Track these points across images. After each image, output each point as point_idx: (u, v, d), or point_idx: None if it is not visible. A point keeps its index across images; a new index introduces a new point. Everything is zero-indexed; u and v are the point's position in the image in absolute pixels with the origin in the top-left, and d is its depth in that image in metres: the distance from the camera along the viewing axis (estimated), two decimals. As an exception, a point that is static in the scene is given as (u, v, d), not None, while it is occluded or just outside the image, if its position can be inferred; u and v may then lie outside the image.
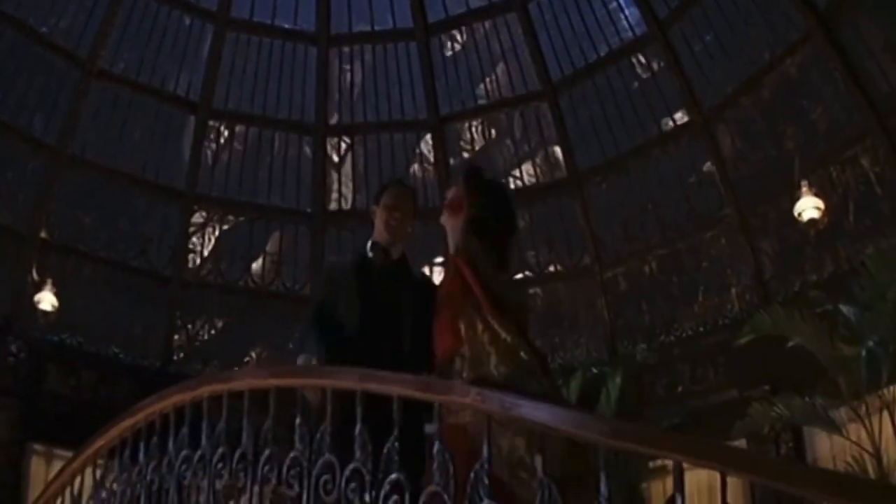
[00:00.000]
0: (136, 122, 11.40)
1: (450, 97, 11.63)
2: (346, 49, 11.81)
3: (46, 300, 10.27)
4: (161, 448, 4.20)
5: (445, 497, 2.94)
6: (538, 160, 11.53)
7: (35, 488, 9.90)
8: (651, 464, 8.42)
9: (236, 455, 3.75)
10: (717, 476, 2.30)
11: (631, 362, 10.01)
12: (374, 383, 3.52)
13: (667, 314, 10.25)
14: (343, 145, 11.91)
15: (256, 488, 3.65)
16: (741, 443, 7.78)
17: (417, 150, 12.00)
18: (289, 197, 11.85)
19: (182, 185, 11.57)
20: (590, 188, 10.94)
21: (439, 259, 11.15)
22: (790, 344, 7.60)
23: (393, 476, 3.14)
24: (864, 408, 6.74)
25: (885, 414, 6.81)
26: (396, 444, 3.20)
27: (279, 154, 11.81)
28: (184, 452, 4.03)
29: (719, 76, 9.93)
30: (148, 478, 4.19)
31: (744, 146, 9.80)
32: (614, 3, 10.78)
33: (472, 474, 2.94)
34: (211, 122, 11.67)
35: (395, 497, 3.11)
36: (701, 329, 9.89)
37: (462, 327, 3.58)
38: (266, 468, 3.62)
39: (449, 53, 11.61)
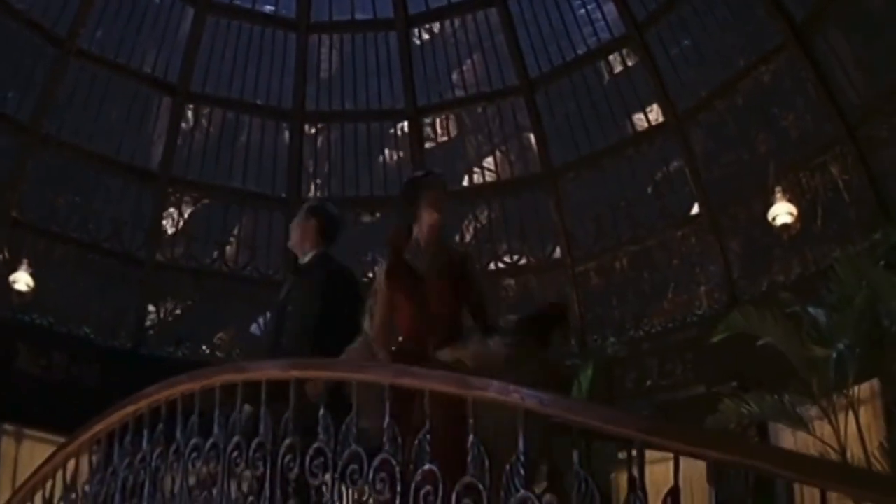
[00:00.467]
0: (113, 102, 11.39)
1: (427, 89, 11.84)
2: (325, 37, 11.92)
3: (22, 280, 10.28)
4: (167, 436, 4.27)
5: (481, 487, 3.13)
6: (513, 154, 11.81)
7: (5, 468, 10.04)
8: (620, 455, 8.76)
9: (253, 445, 3.84)
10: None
11: (601, 355, 10.35)
12: (409, 378, 3.77)
13: (637, 309, 10.61)
14: (320, 132, 12.02)
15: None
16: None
17: (393, 140, 12.17)
18: (264, 182, 11.96)
19: (157, 167, 11.62)
20: (564, 184, 11.25)
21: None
22: (760, 343, 7.98)
23: (426, 466, 3.30)
24: (831, 406, 7.12)
25: (850, 413, 7.21)
26: (428, 436, 3.44)
27: (255, 139, 11.89)
28: (194, 440, 4.11)
29: (694, 79, 10.29)
30: (153, 465, 4.29)
31: (716, 148, 10.20)
32: (593, 4, 11.06)
33: (507, 466, 3.19)
34: (188, 105, 11.70)
35: (427, 487, 3.30)
36: (670, 325, 10.28)
37: None
38: (287, 458, 3.72)
39: (428, 45, 11.78)
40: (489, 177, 11.96)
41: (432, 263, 4.20)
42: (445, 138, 12.06)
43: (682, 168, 10.47)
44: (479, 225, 11.93)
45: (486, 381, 3.42)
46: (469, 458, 3.21)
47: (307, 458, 3.63)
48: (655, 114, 10.72)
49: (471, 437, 3.24)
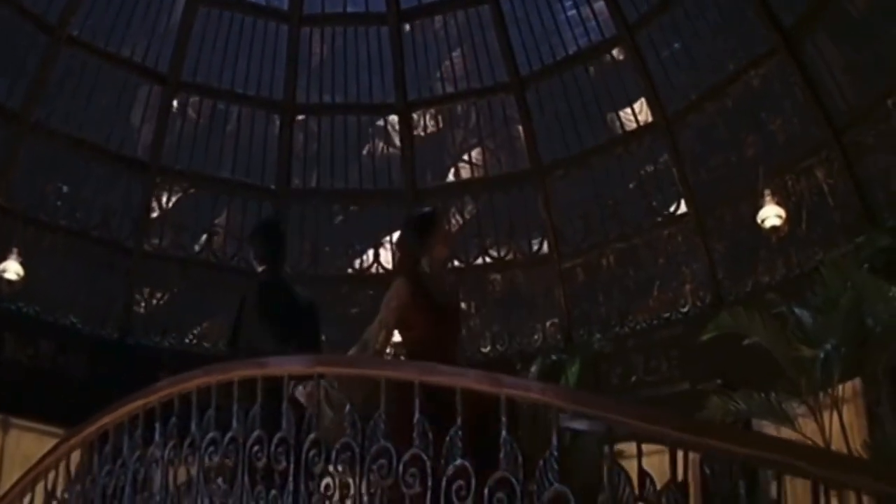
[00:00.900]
0: (103, 91, 11.44)
1: (418, 83, 12.01)
2: (317, 29, 12.04)
3: (12, 269, 10.29)
4: (180, 430, 4.37)
5: (514, 481, 3.31)
6: (502, 150, 12.02)
7: (-9, 457, 10.10)
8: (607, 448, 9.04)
9: (275, 439, 3.96)
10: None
11: (587, 350, 10.61)
12: (436, 376, 3.97)
13: (622, 306, 10.89)
14: (310, 124, 12.15)
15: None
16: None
17: (383, 133, 12.33)
18: (253, 172, 12.07)
19: (146, 156, 11.70)
20: (552, 181, 11.49)
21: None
22: (746, 342, 8.28)
23: (458, 462, 3.45)
24: (817, 405, 7.43)
25: (834, 411, 7.53)
26: (459, 432, 3.63)
27: (245, 129, 12.00)
28: (211, 434, 4.21)
29: (684, 82, 10.55)
30: (165, 458, 4.40)
31: (704, 150, 10.47)
32: (584, 4, 11.28)
33: (541, 462, 3.41)
34: (178, 95, 11.78)
35: (459, 482, 3.46)
36: (655, 322, 10.57)
37: None
38: (312, 453, 3.84)
39: (420, 40, 11.94)
40: (477, 172, 12.17)
41: (447, 295, 4.61)
42: (435, 133, 12.24)
43: (669, 168, 10.74)
44: (466, 219, 12.13)
45: (524, 380, 3.65)
46: (502, 455, 3.41)
47: (333, 454, 3.79)
48: (644, 114, 10.97)
49: (503, 434, 3.43)
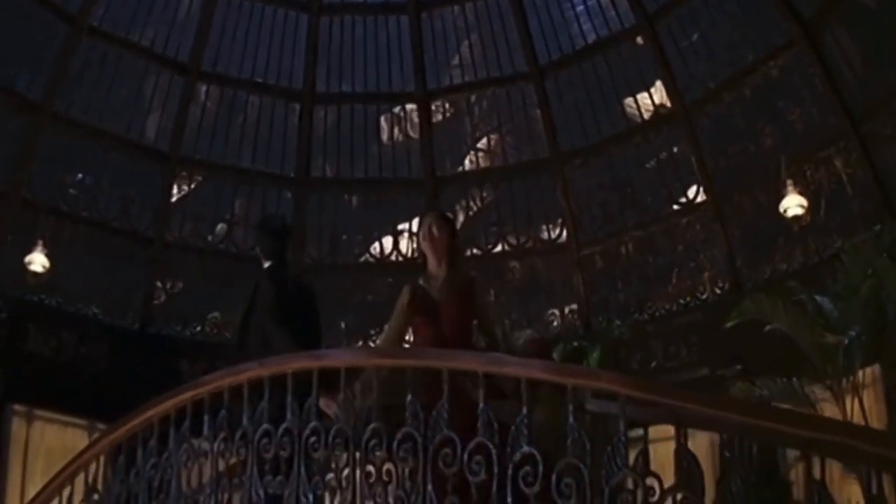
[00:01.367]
0: (124, 81, 11.68)
1: (437, 72, 12.25)
2: (337, 18, 12.27)
3: (38, 261, 10.54)
4: (230, 423, 4.48)
5: (582, 467, 3.52)
6: (521, 139, 12.29)
7: (16, 449, 10.41)
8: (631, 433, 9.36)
9: (332, 430, 4.15)
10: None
11: (607, 337, 10.93)
12: (501, 367, 4.23)
13: (641, 293, 11.22)
14: (329, 113, 12.39)
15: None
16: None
17: (402, 122, 12.59)
18: (273, 162, 12.32)
19: (166, 146, 11.93)
20: (571, 169, 11.78)
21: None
22: (767, 329, 8.59)
23: (525, 449, 3.68)
24: (840, 390, 7.77)
25: (855, 397, 7.87)
26: (525, 420, 3.88)
27: (265, 119, 12.24)
28: (264, 426, 4.31)
29: (703, 72, 10.83)
30: (216, 450, 4.51)
31: (722, 139, 10.76)
32: (604, -7, 11.53)
33: (609, 448, 3.69)
34: (199, 84, 12.02)
35: (526, 468, 3.67)
36: (674, 309, 10.89)
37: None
38: (372, 443, 4.01)
39: (439, 29, 12.18)
40: (496, 161, 12.44)
41: (445, 288, 4.87)
42: (454, 121, 12.50)
43: (687, 157, 11.03)
44: (485, 208, 12.42)
45: (593, 369, 3.94)
46: (569, 441, 3.62)
47: (395, 443, 3.97)
48: (663, 104, 11.24)
49: (570, 420, 3.64)
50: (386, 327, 4.96)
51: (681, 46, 10.90)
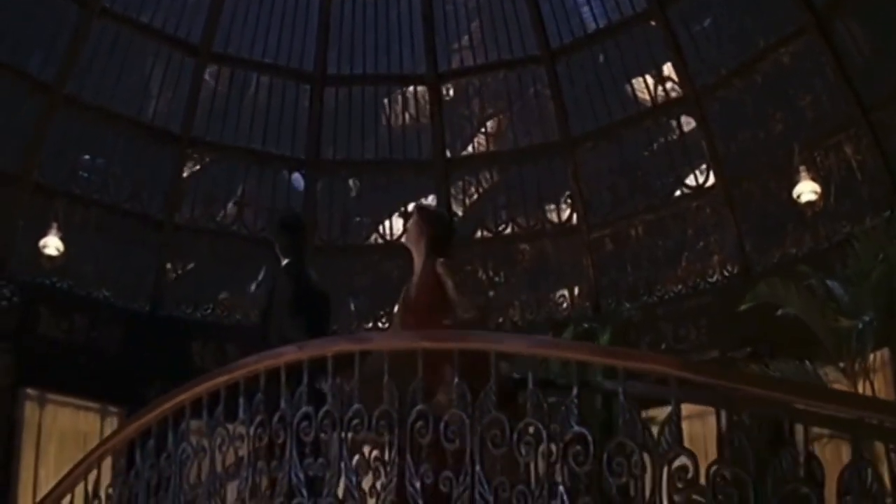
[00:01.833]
0: (135, 63, 11.85)
1: (448, 55, 12.48)
2: (348, 0, 12.47)
3: (52, 245, 10.71)
4: (268, 406, 4.58)
5: (633, 445, 3.75)
6: (531, 122, 12.55)
7: (28, 433, 10.55)
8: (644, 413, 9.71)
9: (376, 413, 4.30)
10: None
11: (617, 319, 11.25)
12: (552, 350, 4.51)
13: (650, 276, 11.54)
14: (340, 95, 12.60)
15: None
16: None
17: (413, 104, 12.83)
18: (283, 144, 12.53)
19: (177, 128, 12.12)
20: (581, 153, 12.06)
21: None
22: (779, 312, 8.91)
23: (576, 429, 3.89)
24: (853, 374, 8.10)
25: (866, 381, 8.20)
26: (576, 399, 4.09)
27: (276, 101, 12.45)
28: (303, 409, 4.45)
29: (714, 57, 11.11)
30: (252, 433, 4.60)
31: (733, 125, 11.05)
32: (615, -22, 11.76)
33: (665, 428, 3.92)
34: (210, 66, 12.21)
35: (576, 448, 3.90)
36: (683, 292, 11.21)
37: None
38: (419, 424, 4.20)
39: (451, 11, 12.40)
40: (507, 143, 12.70)
41: (417, 281, 5.25)
42: (464, 104, 12.74)
43: (698, 142, 11.33)
44: (494, 189, 12.69)
45: (643, 352, 4.20)
46: (621, 422, 3.86)
47: (441, 425, 4.19)
48: (674, 88, 11.51)
49: (621, 399, 3.87)
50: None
51: (692, 32, 11.19)
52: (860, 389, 8.18)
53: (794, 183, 9.74)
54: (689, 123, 11.44)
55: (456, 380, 4.22)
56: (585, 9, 11.95)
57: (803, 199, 9.62)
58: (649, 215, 11.63)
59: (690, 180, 11.43)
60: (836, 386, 8.43)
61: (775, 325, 9.05)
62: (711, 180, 11.21)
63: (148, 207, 11.95)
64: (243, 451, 4.71)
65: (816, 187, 9.59)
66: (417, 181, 12.57)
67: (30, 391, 10.66)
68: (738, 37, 11.03)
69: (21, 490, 10.23)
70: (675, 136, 11.65)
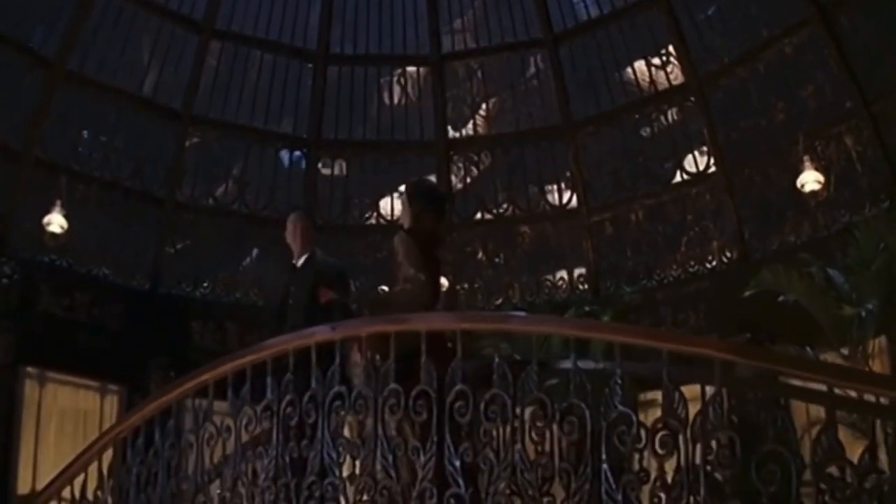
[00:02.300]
0: (138, 39, 11.96)
1: (452, 36, 12.69)
2: (351, -21, 12.66)
3: (56, 222, 10.78)
4: (298, 386, 4.72)
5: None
6: (533, 105, 12.81)
7: (28, 411, 10.64)
8: (642, 396, 10.06)
9: (414, 392, 4.43)
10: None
11: (617, 302, 11.60)
12: (593, 332, 4.76)
13: (650, 260, 11.89)
14: (343, 74, 12.79)
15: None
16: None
17: (415, 85, 13.04)
18: (286, 122, 12.71)
19: (179, 105, 12.26)
20: (583, 137, 12.36)
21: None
22: (780, 299, 9.26)
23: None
24: (854, 360, 8.48)
25: (866, 367, 8.59)
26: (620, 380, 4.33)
27: (279, 79, 12.61)
28: (335, 389, 4.59)
29: (717, 45, 11.42)
30: (282, 413, 4.74)
31: (735, 113, 11.39)
32: (620, -36, 12.01)
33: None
34: (213, 43, 12.33)
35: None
36: (682, 276, 11.58)
37: None
38: (458, 404, 4.34)
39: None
40: (508, 126, 12.96)
41: None
42: (467, 86, 12.97)
43: (699, 129, 11.66)
44: (493, 171, 12.96)
45: (686, 336, 4.44)
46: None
47: (482, 405, 4.38)
48: (676, 75, 11.82)
49: (665, 381, 4.14)
50: None
51: (696, 19, 11.48)
52: (860, 375, 8.58)
53: (795, 171, 10.10)
54: (690, 110, 11.75)
55: (497, 359, 4.45)
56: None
57: (807, 188, 9.99)
58: (649, 200, 11.97)
59: (691, 166, 11.76)
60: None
61: (774, 312, 9.40)
62: (712, 167, 11.54)
63: (149, 184, 12.08)
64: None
65: (819, 177, 9.96)
66: (418, 162, 12.82)
67: (30, 369, 10.75)
68: (741, 26, 11.34)
69: (21, 468, 10.36)
70: (676, 122, 11.95)
